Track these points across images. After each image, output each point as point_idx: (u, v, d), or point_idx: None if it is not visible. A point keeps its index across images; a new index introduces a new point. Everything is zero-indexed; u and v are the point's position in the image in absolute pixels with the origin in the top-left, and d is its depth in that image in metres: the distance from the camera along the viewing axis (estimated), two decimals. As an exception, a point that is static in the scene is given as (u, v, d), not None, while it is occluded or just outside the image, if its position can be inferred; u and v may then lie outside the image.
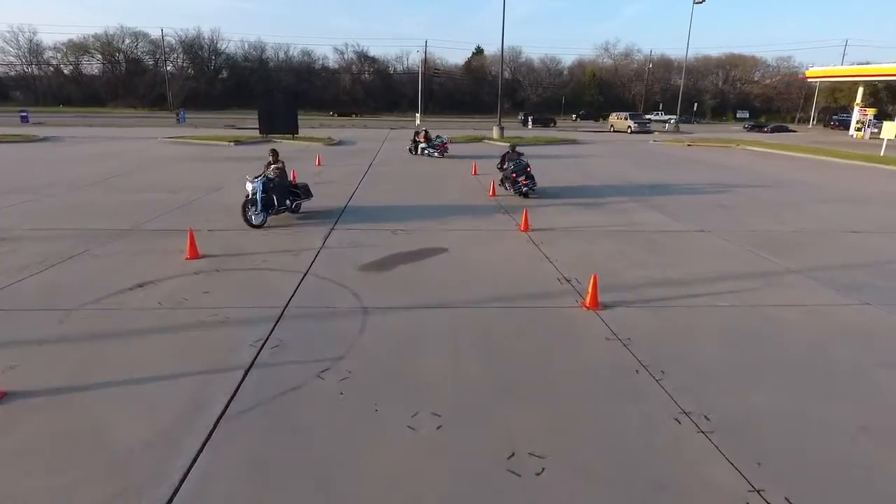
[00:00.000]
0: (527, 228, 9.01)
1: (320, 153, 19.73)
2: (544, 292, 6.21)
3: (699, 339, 5.06)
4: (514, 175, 12.17)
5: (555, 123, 54.98)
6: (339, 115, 64.09)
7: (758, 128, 49.03)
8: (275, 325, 5.09)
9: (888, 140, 23.51)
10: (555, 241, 8.43)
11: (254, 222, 8.76)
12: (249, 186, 8.93)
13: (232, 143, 23.97)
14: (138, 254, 7.27)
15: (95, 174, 14.52)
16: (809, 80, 40.58)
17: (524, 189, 12.08)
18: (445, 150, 20.42)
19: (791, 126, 50.14)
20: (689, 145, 30.66)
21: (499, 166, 13.12)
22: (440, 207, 10.85)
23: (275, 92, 32.87)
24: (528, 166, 12.51)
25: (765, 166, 20.31)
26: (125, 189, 12.44)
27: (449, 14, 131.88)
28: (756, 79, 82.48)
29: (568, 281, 6.60)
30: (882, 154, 23.35)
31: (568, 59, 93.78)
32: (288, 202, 9.33)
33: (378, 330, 5.08)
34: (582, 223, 9.71)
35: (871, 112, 35.61)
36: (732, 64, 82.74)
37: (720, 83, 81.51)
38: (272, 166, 9.39)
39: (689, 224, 9.87)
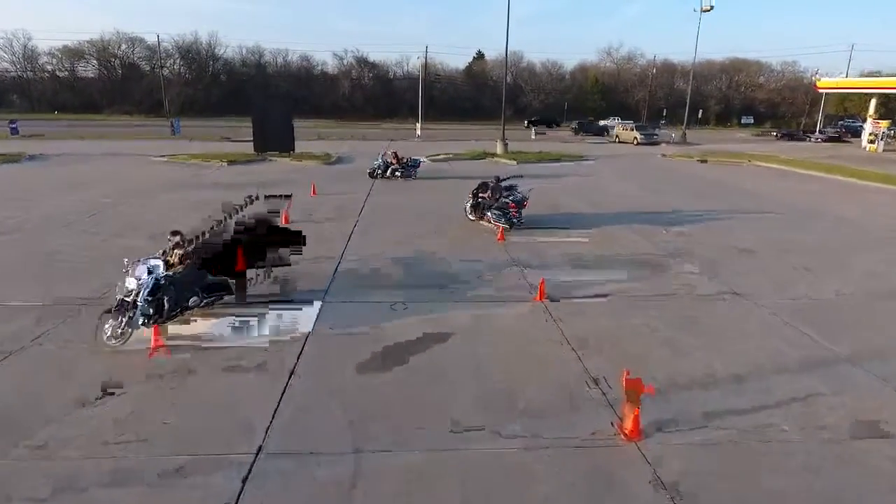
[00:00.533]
0: (542, 296, 8.01)
1: (316, 178, 18.71)
2: (571, 407, 5.22)
3: (764, 497, 4.07)
4: (509, 205, 11.77)
5: (558, 124, 56.54)
6: (338, 120, 63.10)
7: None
8: (245, 479, 4.10)
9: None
10: (575, 314, 7.44)
11: (116, 336, 6.00)
12: (132, 282, 6.11)
13: (225, 163, 22.96)
14: (95, 346, 6.27)
15: (72, 209, 13.53)
16: (820, 90, 39.53)
17: (514, 221, 11.73)
18: (414, 174, 19.78)
19: (803, 133, 48.82)
20: (699, 161, 29.65)
21: (474, 193, 12.65)
22: (445, 261, 9.88)
23: (269, 103, 31.75)
24: (526, 200, 12.10)
25: (784, 190, 19.33)
26: (99, 231, 11.46)
27: (450, 14, 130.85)
28: (761, 82, 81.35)
29: (596, 383, 5.62)
30: (902, 174, 22.40)
31: (570, 63, 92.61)
32: (195, 299, 6.54)
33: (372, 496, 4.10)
34: (603, 283, 8.71)
35: (884, 125, 34.58)
36: (737, 69, 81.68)
37: (724, 88, 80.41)
38: (174, 250, 6.69)
39: (720, 282, 8.88)
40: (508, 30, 28.09)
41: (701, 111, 67.39)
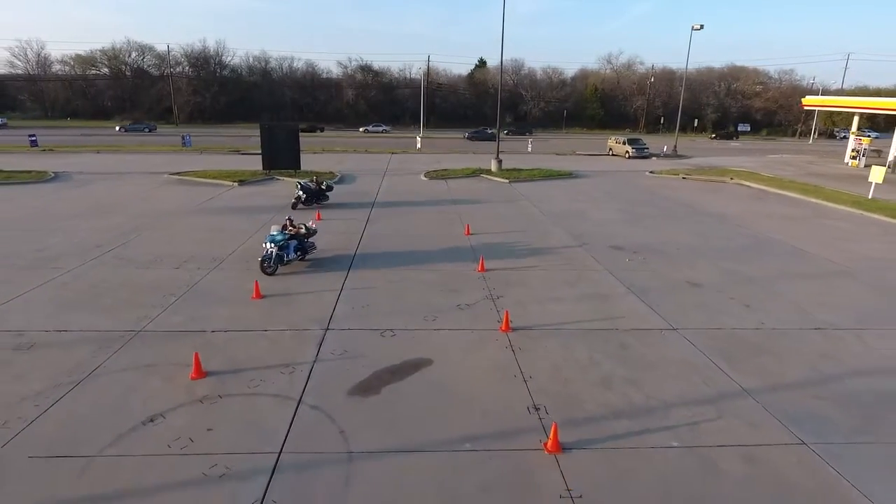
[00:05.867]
0: (507, 328, 9.65)
1: (317, 207, 20.40)
2: (514, 429, 6.84)
3: (643, 497, 5.69)
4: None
5: (531, 132, 61.51)
6: (342, 128, 64.86)
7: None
8: (269, 482, 5.76)
9: (875, 183, 23.99)
10: (532, 346, 9.07)
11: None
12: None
13: (236, 184, 24.69)
14: (147, 372, 7.94)
15: (104, 237, 15.22)
16: (806, 107, 40.95)
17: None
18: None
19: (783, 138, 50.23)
20: (683, 178, 31.22)
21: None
22: (430, 288, 11.53)
23: (276, 125, 33.55)
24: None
25: (754, 214, 20.87)
26: (132, 262, 13.15)
27: (455, 15, 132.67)
28: (759, 91, 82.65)
29: (537, 410, 7.24)
30: (870, 197, 23.88)
31: (571, 70, 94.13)
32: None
33: (361, 485, 5.74)
34: (562, 318, 10.33)
35: (866, 141, 36.00)
36: (734, 76, 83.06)
37: (723, 95, 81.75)
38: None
39: (661, 318, 10.47)
40: (502, 60, 29.56)
41: (697, 120, 68.72)
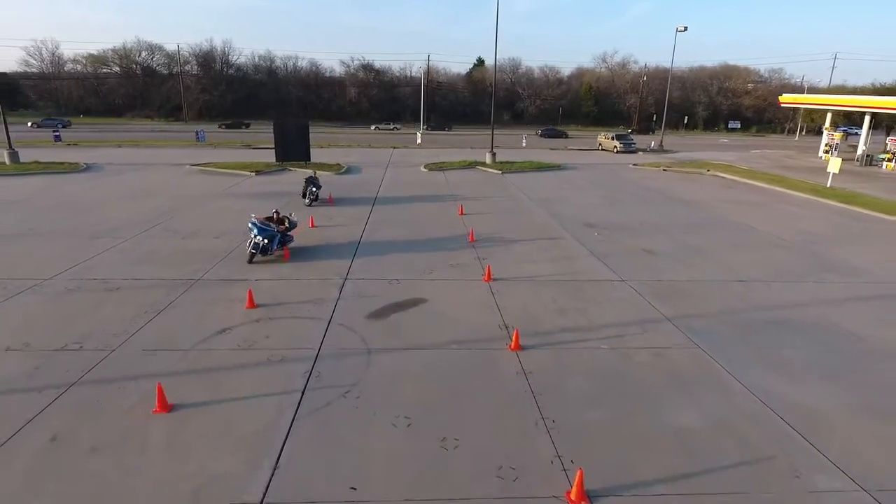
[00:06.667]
0: (489, 279, 12.14)
1: (330, 191, 22.87)
2: (489, 337, 9.34)
3: (576, 374, 8.18)
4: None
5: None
6: (345, 125, 67.14)
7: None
8: (310, 372, 8.26)
9: (833, 173, 26.44)
10: (507, 290, 11.56)
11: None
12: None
13: (253, 174, 27.19)
14: (211, 304, 10.44)
15: (149, 215, 17.73)
16: (783, 105, 43.42)
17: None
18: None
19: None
20: (664, 170, 33.67)
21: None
22: (428, 252, 14.01)
23: (287, 120, 36.05)
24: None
25: (719, 200, 23.33)
26: (178, 233, 15.64)
27: (456, 11, 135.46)
28: (749, 89, 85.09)
29: (506, 328, 9.73)
30: (828, 185, 26.34)
31: (567, 68, 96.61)
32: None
33: (377, 365, 8.24)
34: (534, 273, 12.82)
35: (838, 136, 38.45)
36: (727, 75, 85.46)
37: (714, 93, 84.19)
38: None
39: (614, 273, 12.96)
40: (496, 61, 31.98)
41: (687, 118, 71.18)
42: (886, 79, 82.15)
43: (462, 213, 19.11)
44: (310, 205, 19.81)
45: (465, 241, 15.48)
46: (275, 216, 14.12)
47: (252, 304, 10.34)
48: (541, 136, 64.57)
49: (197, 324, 9.54)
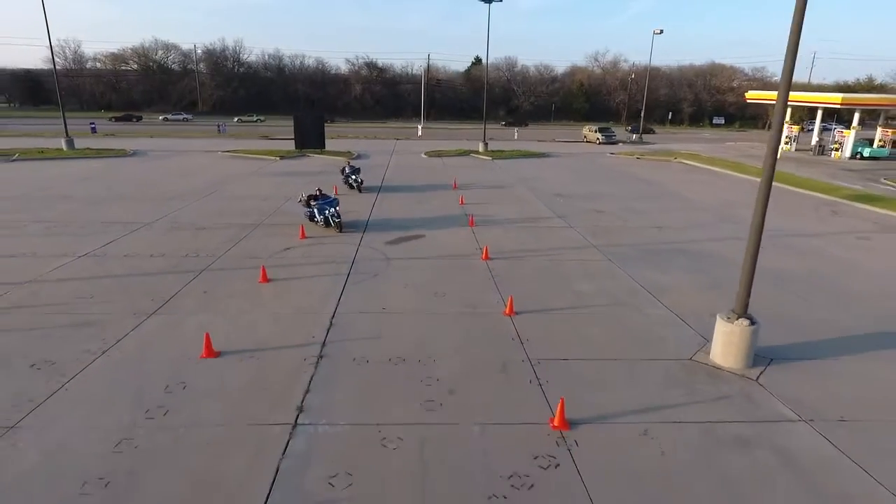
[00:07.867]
0: (472, 224, 16.56)
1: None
2: (467, 254, 13.76)
3: (524, 270, 12.58)
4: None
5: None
6: (351, 120, 71.49)
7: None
8: (351, 267, 12.68)
9: (779, 160, 30.70)
10: (485, 231, 15.97)
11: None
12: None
13: (278, 158, 31.63)
14: (274, 236, 14.84)
15: (203, 186, 22.14)
16: (749, 101, 47.75)
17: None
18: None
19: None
20: (637, 158, 38.02)
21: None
22: (427, 211, 18.41)
23: (305, 111, 40.43)
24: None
25: (674, 180, 27.70)
26: (232, 197, 20.06)
27: (455, 8, 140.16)
28: (734, 86, 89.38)
29: (480, 249, 14.14)
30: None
31: (561, 67, 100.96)
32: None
33: (393, 265, 12.65)
34: (506, 221, 17.23)
35: (795, 129, 42.83)
36: (712, 73, 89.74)
37: (699, 90, 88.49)
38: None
39: (565, 222, 17.37)
40: (493, 57, 36.27)
41: (671, 113, 75.48)
42: (870, 75, 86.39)
43: (455, 187, 23.51)
44: (360, 192, 21.94)
45: (457, 205, 19.88)
46: (317, 192, 17.29)
47: (303, 236, 14.77)
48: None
49: (268, 245, 13.98)
